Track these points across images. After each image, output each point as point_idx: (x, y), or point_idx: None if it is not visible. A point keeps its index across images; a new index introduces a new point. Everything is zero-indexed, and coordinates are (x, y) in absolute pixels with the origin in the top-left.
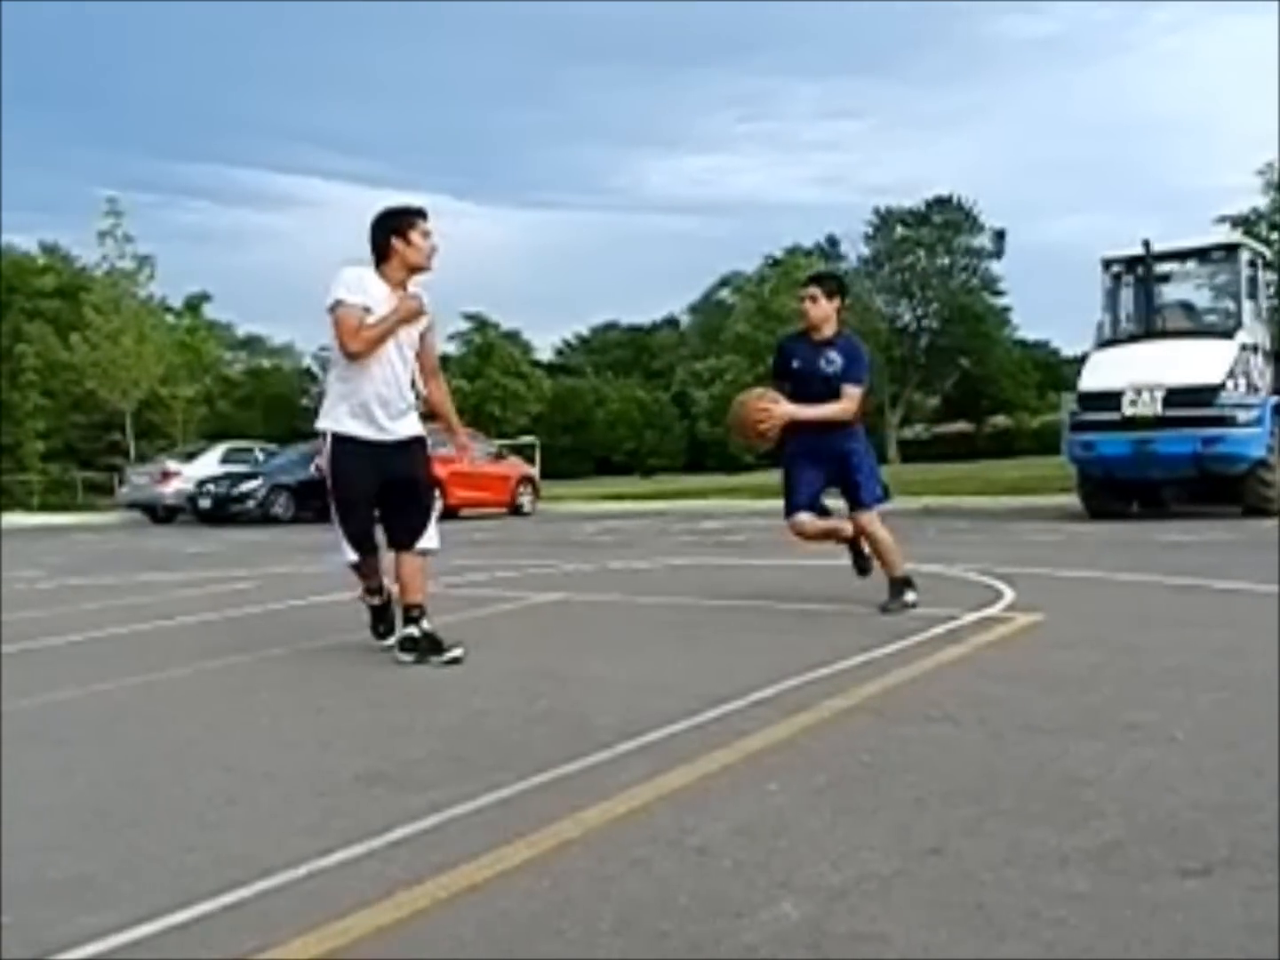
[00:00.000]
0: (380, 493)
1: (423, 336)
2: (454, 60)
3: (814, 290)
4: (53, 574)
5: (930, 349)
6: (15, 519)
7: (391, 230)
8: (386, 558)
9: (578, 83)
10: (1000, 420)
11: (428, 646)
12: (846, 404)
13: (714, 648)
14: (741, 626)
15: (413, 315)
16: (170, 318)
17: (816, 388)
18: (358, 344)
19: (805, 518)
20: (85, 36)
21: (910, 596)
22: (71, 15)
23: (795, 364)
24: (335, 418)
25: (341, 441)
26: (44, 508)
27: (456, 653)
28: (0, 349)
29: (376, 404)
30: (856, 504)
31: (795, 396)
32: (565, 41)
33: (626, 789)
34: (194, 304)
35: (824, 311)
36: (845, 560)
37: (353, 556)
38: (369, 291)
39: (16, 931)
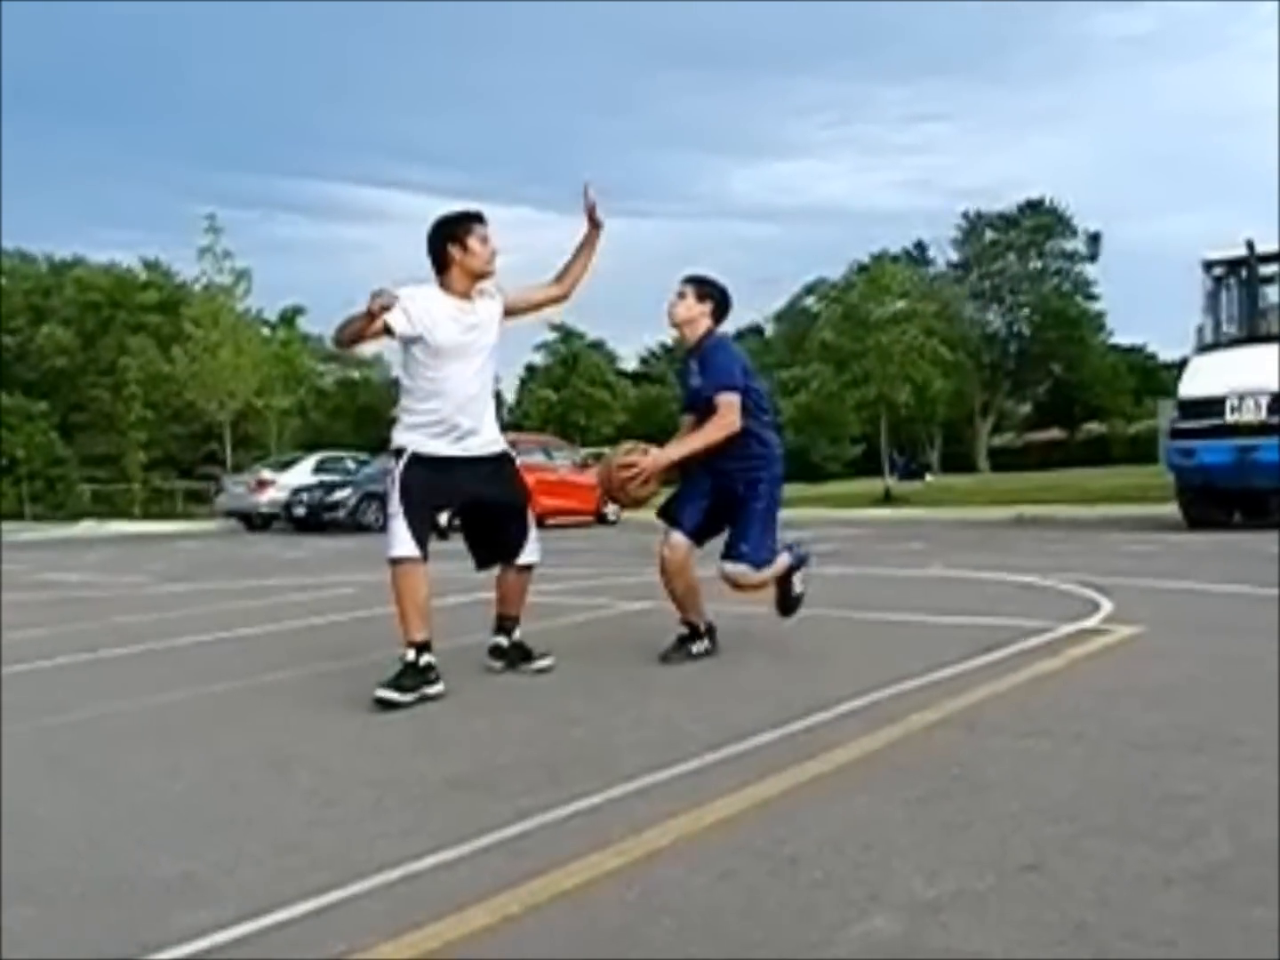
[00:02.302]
0: (469, 513)
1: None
2: (537, 70)
3: (685, 288)
4: (156, 580)
5: (1021, 355)
6: (118, 526)
7: (448, 238)
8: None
9: (660, 90)
10: (1094, 427)
11: (517, 655)
12: (718, 420)
13: (802, 658)
14: (830, 636)
15: (374, 312)
16: (266, 331)
17: (697, 407)
18: (338, 333)
19: (680, 542)
20: (181, 56)
21: (699, 647)
22: (168, 36)
23: (681, 387)
24: (412, 434)
25: (419, 460)
26: (146, 516)
27: (546, 662)
28: (105, 362)
29: (456, 418)
30: (736, 555)
31: (696, 424)
32: (648, 49)
33: (716, 799)
34: (288, 317)
35: (687, 311)
36: (934, 570)
37: (406, 550)
38: (430, 313)
39: (121, 928)
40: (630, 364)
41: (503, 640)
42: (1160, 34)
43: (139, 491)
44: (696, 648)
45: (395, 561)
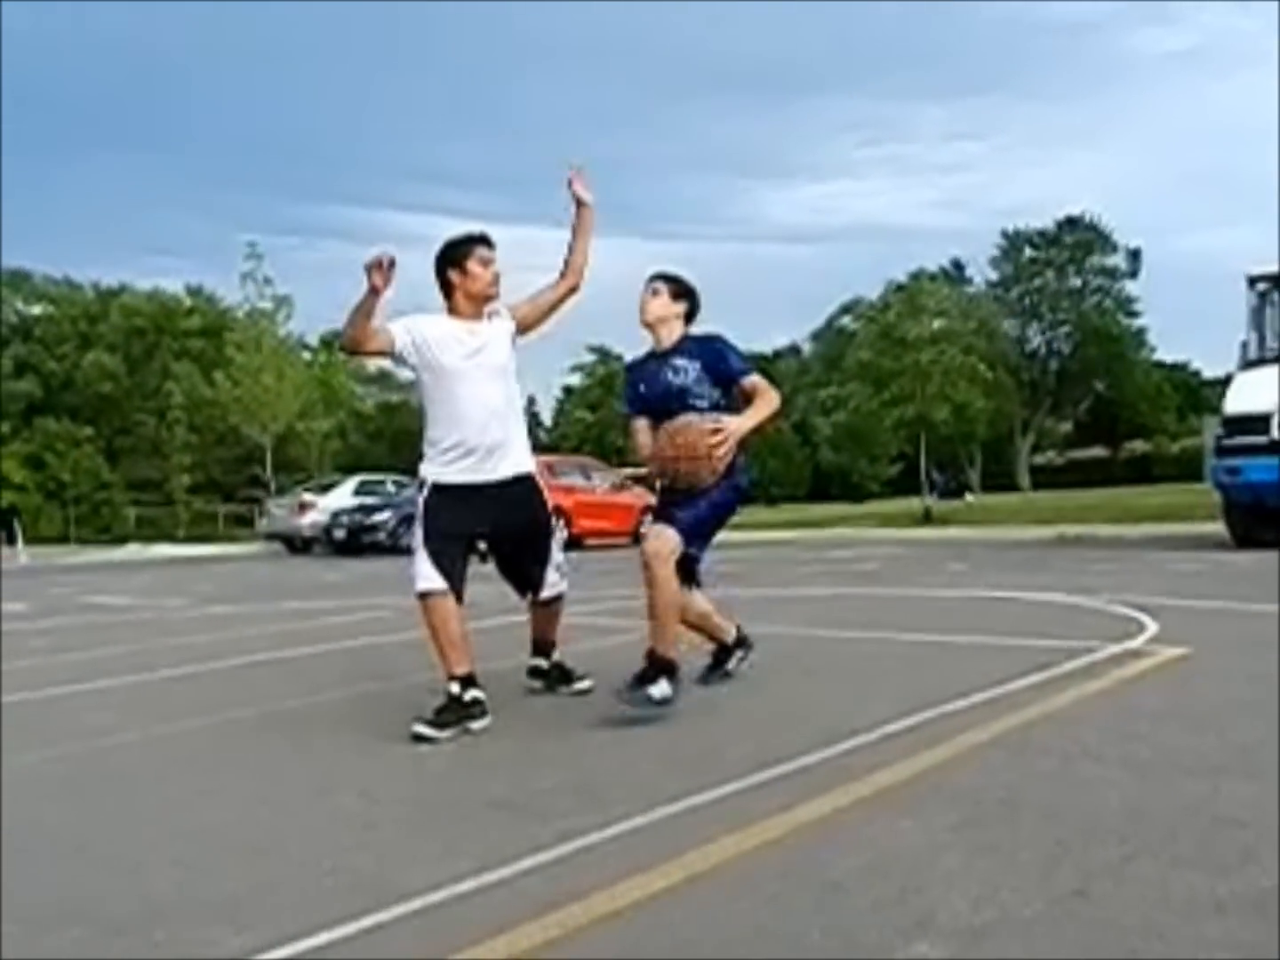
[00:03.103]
0: (492, 542)
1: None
2: (573, 94)
3: (659, 285)
4: (199, 603)
5: (1061, 373)
6: (163, 550)
7: (448, 263)
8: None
9: (695, 114)
10: (1138, 445)
11: (557, 676)
12: (770, 396)
13: (844, 679)
14: (872, 657)
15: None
16: (306, 355)
17: (674, 409)
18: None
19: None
20: (222, 87)
21: (661, 690)
22: (210, 67)
23: (642, 388)
24: (431, 464)
25: (437, 490)
26: (189, 539)
27: (585, 684)
28: (149, 388)
29: (473, 443)
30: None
31: (655, 430)
32: (683, 73)
33: (758, 821)
34: (329, 341)
35: (662, 309)
36: (976, 591)
37: (429, 584)
38: (433, 337)
39: (164, 951)
40: None
41: (542, 662)
42: (1201, 49)
43: (183, 514)
44: (657, 691)
45: (420, 596)
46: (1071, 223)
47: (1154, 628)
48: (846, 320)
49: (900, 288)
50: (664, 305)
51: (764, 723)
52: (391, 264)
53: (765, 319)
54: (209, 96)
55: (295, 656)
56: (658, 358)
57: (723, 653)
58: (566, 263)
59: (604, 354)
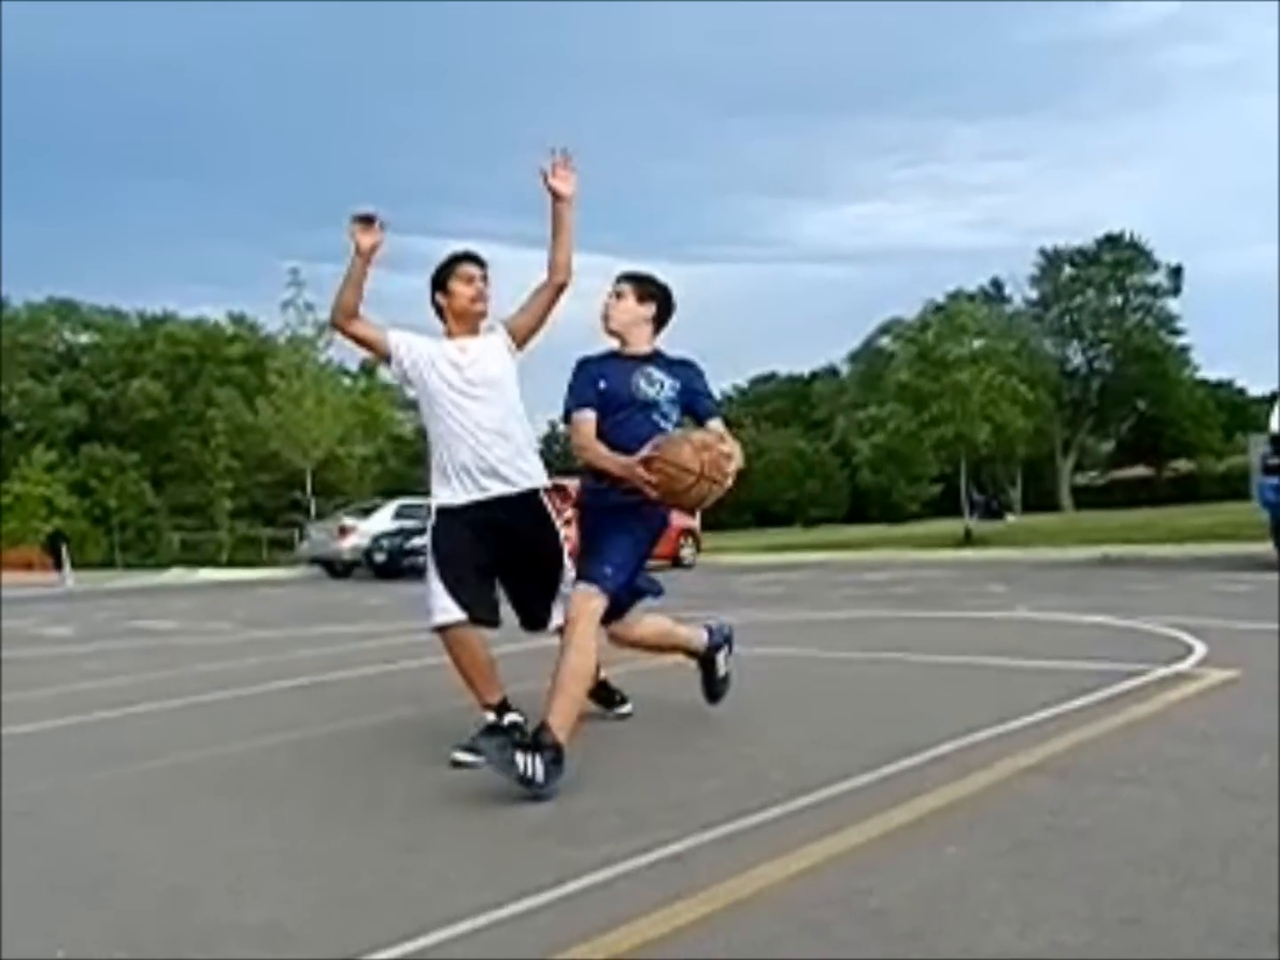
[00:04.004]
0: (498, 565)
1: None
2: (609, 117)
3: (624, 287)
4: (241, 626)
5: (1103, 391)
6: (206, 574)
7: (434, 286)
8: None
9: (731, 135)
10: (1182, 464)
11: (598, 699)
12: (730, 440)
13: (885, 703)
14: (913, 681)
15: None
16: (347, 381)
17: (635, 419)
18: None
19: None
20: (262, 116)
21: (525, 763)
22: (251, 98)
23: (603, 385)
24: (436, 487)
25: (443, 513)
26: (232, 563)
27: (626, 709)
28: (193, 414)
29: (475, 460)
30: (582, 576)
31: (607, 434)
32: (718, 95)
33: (800, 847)
34: (368, 367)
35: (631, 314)
36: (1019, 613)
37: (445, 617)
38: (423, 356)
39: None
40: None
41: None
42: (1241, 64)
43: (225, 539)
44: (523, 762)
45: (437, 630)
46: (1111, 241)
47: (1202, 650)
48: (885, 341)
49: (939, 308)
50: (629, 310)
51: (804, 747)
52: (381, 225)
53: (802, 340)
54: (251, 126)
55: (336, 680)
56: (628, 359)
57: (707, 660)
58: (551, 263)
59: None
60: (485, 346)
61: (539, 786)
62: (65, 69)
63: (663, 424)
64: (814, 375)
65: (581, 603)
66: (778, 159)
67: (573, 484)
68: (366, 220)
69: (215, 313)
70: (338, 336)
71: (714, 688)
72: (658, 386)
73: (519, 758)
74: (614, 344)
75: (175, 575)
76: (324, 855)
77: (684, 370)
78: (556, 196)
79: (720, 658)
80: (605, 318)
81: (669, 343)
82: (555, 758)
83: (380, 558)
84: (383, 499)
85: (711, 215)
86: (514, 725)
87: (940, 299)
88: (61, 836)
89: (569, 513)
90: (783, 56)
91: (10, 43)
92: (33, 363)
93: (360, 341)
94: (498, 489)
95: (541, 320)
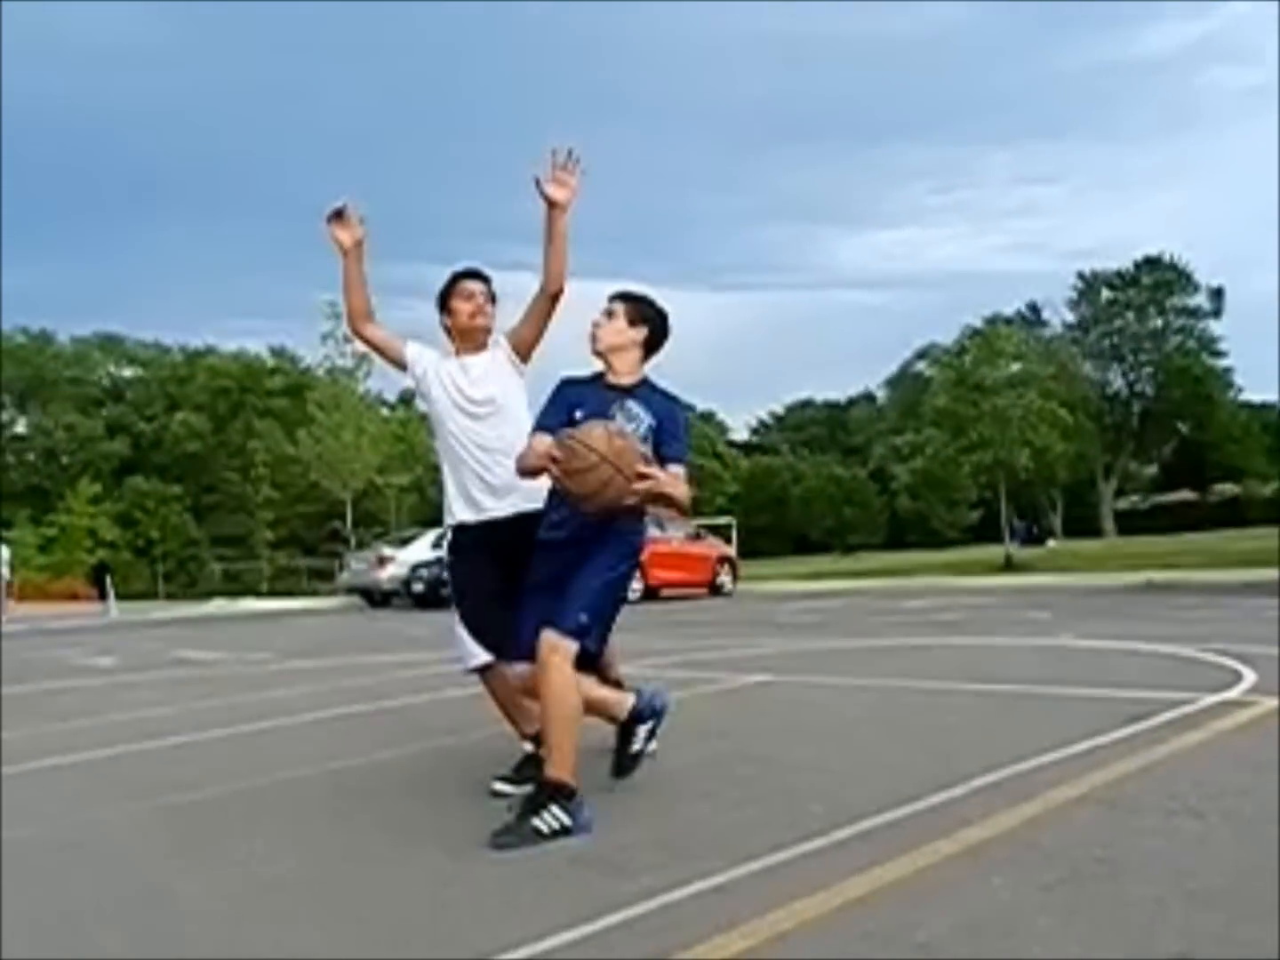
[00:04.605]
0: (512, 588)
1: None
2: (649, 150)
3: (615, 306)
4: (281, 656)
5: (1145, 415)
6: (247, 604)
7: (438, 308)
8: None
9: (767, 165)
10: (1227, 488)
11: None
12: (684, 487)
13: (927, 732)
14: (956, 709)
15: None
16: (385, 411)
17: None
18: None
19: (560, 644)
20: (299, 153)
21: (547, 821)
22: (288, 136)
23: (579, 414)
24: (447, 513)
25: (454, 531)
26: (273, 593)
27: (650, 746)
28: (234, 446)
29: (482, 478)
30: (551, 624)
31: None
32: (753, 126)
33: (843, 879)
34: (406, 398)
35: (616, 336)
36: (1062, 640)
37: (475, 661)
38: (429, 372)
39: None
40: (740, 434)
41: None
42: (1275, 84)
43: (266, 569)
44: (546, 820)
45: (471, 673)
46: (1150, 263)
47: (1252, 677)
48: (921, 366)
49: (976, 332)
50: (617, 332)
51: (847, 777)
52: (361, 219)
53: (839, 366)
54: (289, 163)
55: (376, 711)
56: (610, 388)
57: (625, 729)
58: (544, 272)
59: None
60: (489, 364)
61: (577, 829)
62: (115, 113)
63: None
64: (851, 401)
65: (548, 655)
66: (814, 187)
67: None
68: (339, 216)
69: (256, 346)
70: (379, 364)
71: (622, 761)
72: (635, 423)
73: (532, 822)
74: (600, 365)
75: (217, 606)
76: (365, 886)
77: (663, 405)
78: (551, 204)
79: (641, 730)
80: (593, 337)
81: (710, 362)
82: (570, 796)
83: (419, 587)
84: (421, 528)
85: (748, 243)
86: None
87: (977, 324)
88: (105, 866)
89: None
90: (818, 86)
91: (58, 88)
92: (78, 397)
93: (376, 347)
94: (504, 509)
95: (541, 330)
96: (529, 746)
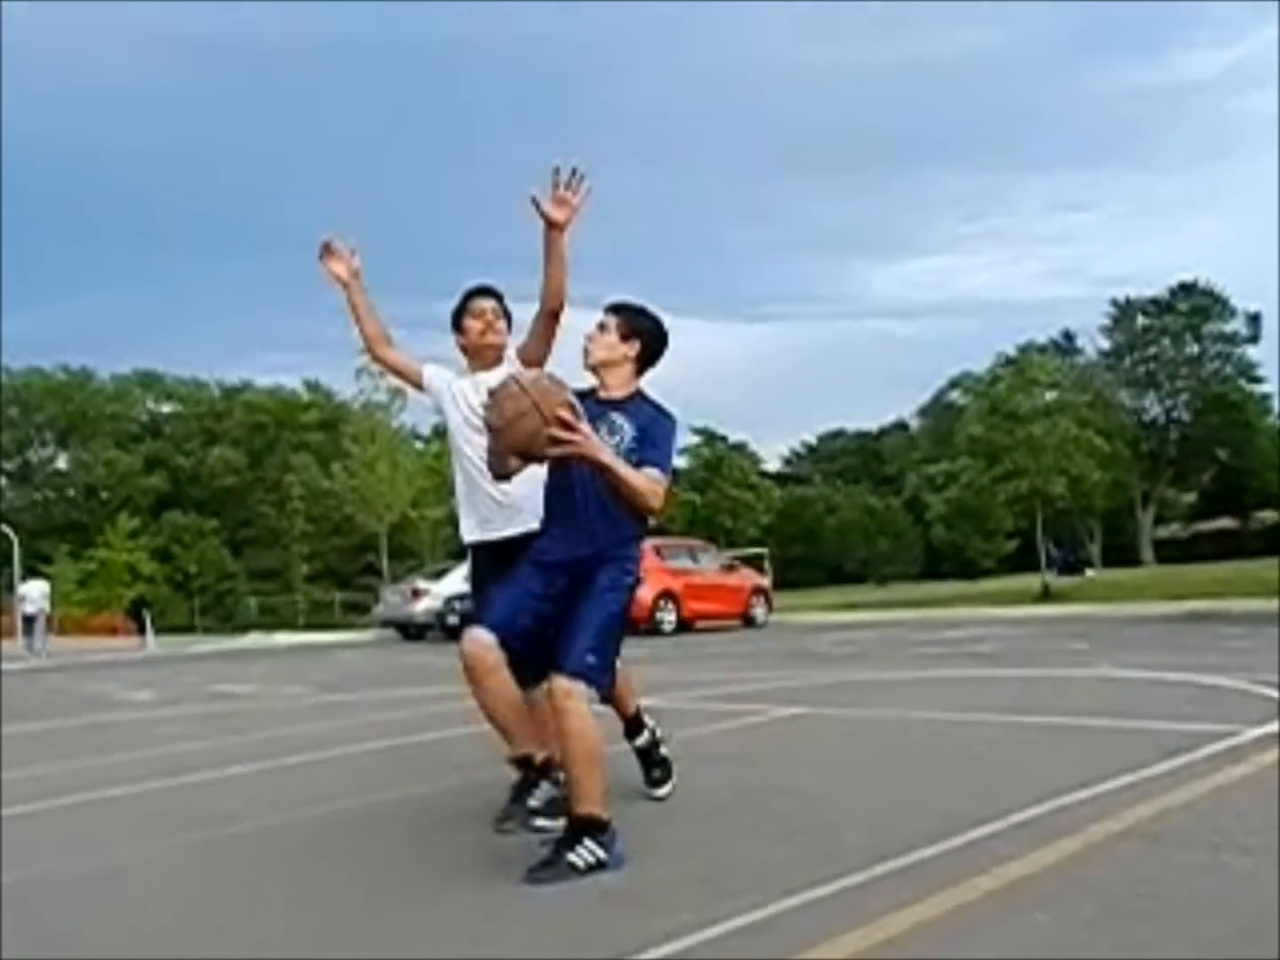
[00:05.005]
0: None
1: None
2: (677, 180)
3: (608, 319)
4: (317, 690)
5: (1183, 442)
6: (283, 638)
7: (452, 328)
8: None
9: (798, 195)
10: (1269, 515)
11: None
12: (654, 486)
13: (966, 765)
14: (995, 742)
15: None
16: (419, 444)
17: (586, 470)
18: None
19: (489, 641)
20: (335, 189)
21: (583, 856)
22: (325, 174)
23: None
24: (461, 523)
25: (472, 551)
26: (308, 627)
27: (663, 791)
28: (270, 480)
29: (484, 499)
30: (558, 667)
31: (552, 481)
32: (782, 155)
33: (882, 915)
34: (440, 431)
35: (607, 351)
36: (1102, 670)
37: None
38: (445, 389)
39: None
40: (773, 465)
41: (640, 742)
42: None
43: (302, 603)
44: (582, 857)
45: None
46: (1186, 289)
47: None
48: (955, 395)
49: (1009, 361)
50: (608, 347)
51: (884, 811)
52: (351, 250)
53: (871, 396)
54: (324, 201)
55: (411, 744)
56: (600, 403)
57: (526, 777)
58: (542, 289)
59: (709, 436)
60: (493, 381)
61: (609, 865)
62: (155, 153)
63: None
64: (884, 431)
65: (563, 700)
66: (845, 217)
67: (643, 544)
68: (329, 251)
69: (292, 381)
70: (413, 397)
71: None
72: (619, 437)
73: (568, 858)
74: (594, 381)
75: (253, 639)
76: (402, 922)
77: (649, 416)
78: (550, 224)
79: (542, 791)
80: (584, 352)
81: (742, 393)
82: (602, 830)
83: (453, 620)
84: (454, 561)
85: (780, 274)
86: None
87: (1011, 352)
88: (140, 901)
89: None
90: (850, 116)
91: (99, 131)
92: (118, 432)
93: (396, 370)
94: (515, 529)
95: (546, 348)
96: (511, 769)
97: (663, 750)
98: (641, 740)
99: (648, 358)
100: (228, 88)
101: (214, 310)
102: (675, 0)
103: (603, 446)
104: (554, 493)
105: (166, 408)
